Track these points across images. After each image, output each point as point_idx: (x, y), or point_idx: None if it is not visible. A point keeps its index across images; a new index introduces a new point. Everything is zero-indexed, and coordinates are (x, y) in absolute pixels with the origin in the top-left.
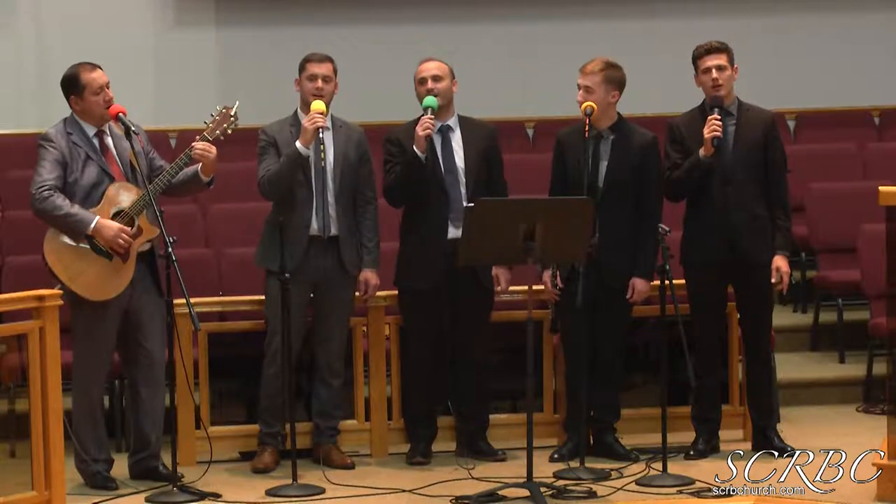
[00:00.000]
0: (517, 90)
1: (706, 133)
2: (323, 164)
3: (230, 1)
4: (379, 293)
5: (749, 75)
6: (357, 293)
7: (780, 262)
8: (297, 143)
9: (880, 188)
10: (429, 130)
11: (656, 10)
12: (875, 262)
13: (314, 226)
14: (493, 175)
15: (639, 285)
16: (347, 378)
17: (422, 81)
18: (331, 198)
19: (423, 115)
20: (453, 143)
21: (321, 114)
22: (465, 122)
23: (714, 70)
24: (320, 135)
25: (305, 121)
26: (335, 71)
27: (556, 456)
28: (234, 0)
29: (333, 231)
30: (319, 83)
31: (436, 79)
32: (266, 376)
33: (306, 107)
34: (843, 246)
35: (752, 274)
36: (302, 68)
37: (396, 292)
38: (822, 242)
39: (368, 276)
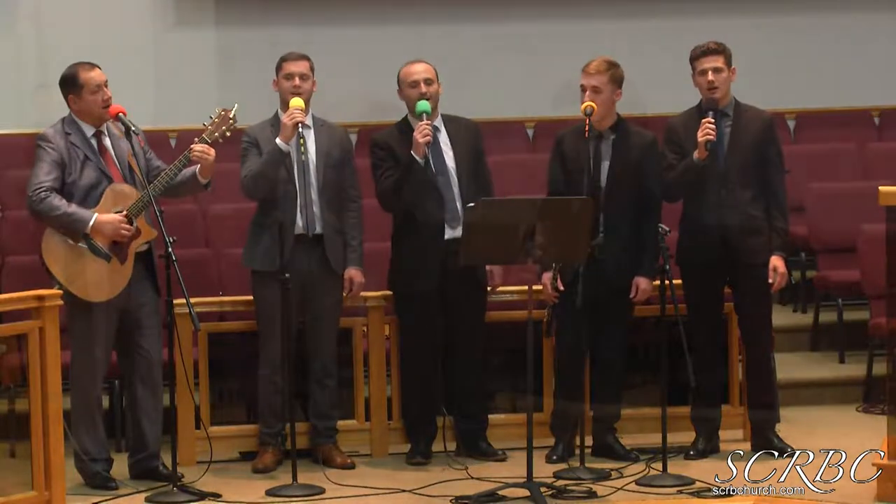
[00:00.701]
0: (517, 90)
1: (700, 136)
2: (304, 157)
3: (230, 1)
4: (373, 293)
5: (749, 75)
6: (344, 293)
7: (776, 263)
8: (277, 140)
9: (880, 188)
10: (428, 137)
11: (657, 10)
12: (875, 262)
13: (299, 224)
14: (480, 171)
15: (642, 284)
16: (345, 378)
17: (414, 84)
18: (314, 196)
19: (419, 121)
20: (442, 144)
21: (300, 110)
22: (448, 121)
23: (710, 72)
24: (300, 131)
25: (284, 117)
26: (312, 69)
27: (553, 457)
28: (234, 0)
29: (318, 229)
30: (297, 81)
31: (428, 82)
32: (261, 377)
33: (286, 106)
34: (843, 246)
35: (748, 274)
36: (279, 68)
37: (391, 293)
38: (822, 242)
39: (353, 274)
